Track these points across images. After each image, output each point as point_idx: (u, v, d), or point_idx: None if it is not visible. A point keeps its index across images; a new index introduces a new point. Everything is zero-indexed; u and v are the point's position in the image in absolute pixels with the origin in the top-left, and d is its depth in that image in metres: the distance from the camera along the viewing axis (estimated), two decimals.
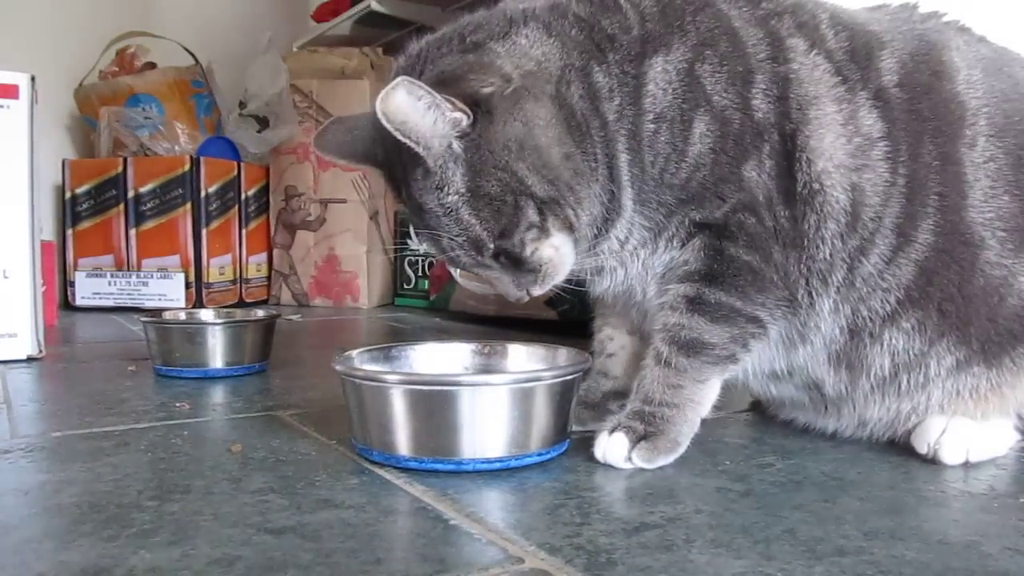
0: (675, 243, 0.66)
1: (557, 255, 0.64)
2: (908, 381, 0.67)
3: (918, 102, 0.65)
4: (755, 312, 0.65)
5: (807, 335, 0.68)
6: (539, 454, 0.63)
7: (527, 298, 0.66)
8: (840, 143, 0.64)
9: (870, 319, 0.66)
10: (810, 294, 0.66)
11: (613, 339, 0.78)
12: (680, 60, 0.64)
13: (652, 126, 0.64)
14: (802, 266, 0.65)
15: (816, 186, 0.64)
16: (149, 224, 1.92)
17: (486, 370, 0.75)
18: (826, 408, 0.73)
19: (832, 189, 0.64)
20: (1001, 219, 0.65)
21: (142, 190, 1.91)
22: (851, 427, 0.72)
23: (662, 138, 0.64)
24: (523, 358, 0.75)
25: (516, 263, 0.64)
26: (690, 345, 0.65)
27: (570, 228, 0.63)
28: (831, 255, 0.65)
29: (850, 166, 0.64)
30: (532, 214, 0.61)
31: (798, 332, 0.68)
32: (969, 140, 0.65)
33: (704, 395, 0.66)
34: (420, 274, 1.97)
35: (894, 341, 0.66)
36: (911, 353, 0.66)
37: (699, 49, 0.64)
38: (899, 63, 0.66)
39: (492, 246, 0.62)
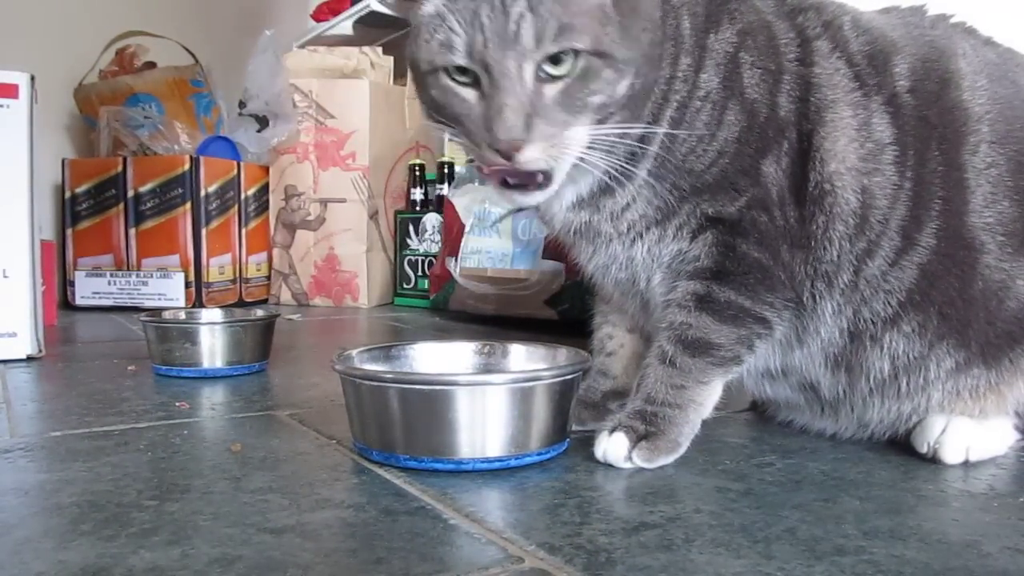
0: (685, 233, 0.66)
1: (582, 128, 0.59)
2: (908, 384, 0.67)
3: (926, 109, 0.66)
4: (763, 312, 0.65)
5: (804, 338, 0.68)
6: (539, 454, 0.63)
7: (508, 152, 0.56)
8: (853, 147, 0.64)
9: (872, 321, 0.66)
10: (814, 297, 0.66)
11: (613, 337, 0.78)
12: (728, 43, 0.65)
13: (699, 103, 0.64)
14: (808, 267, 0.66)
15: (827, 187, 0.64)
16: (149, 224, 1.92)
17: (486, 370, 0.75)
18: (823, 410, 0.73)
19: (843, 191, 0.64)
20: (1001, 224, 0.65)
21: (142, 190, 1.91)
22: (851, 429, 0.72)
23: (703, 117, 0.64)
24: (523, 358, 0.75)
25: (560, 99, 0.57)
26: (696, 345, 0.65)
27: (606, 112, 0.59)
28: (838, 256, 0.65)
29: (861, 169, 0.64)
30: (609, 71, 0.58)
31: (796, 335, 0.68)
32: (972, 146, 0.66)
33: (707, 396, 0.66)
34: (420, 274, 1.97)
35: (894, 344, 0.66)
36: (911, 356, 0.66)
37: (743, 36, 0.65)
38: (911, 69, 0.67)
39: (552, 49, 0.56)
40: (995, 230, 0.65)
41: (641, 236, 0.67)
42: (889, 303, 0.66)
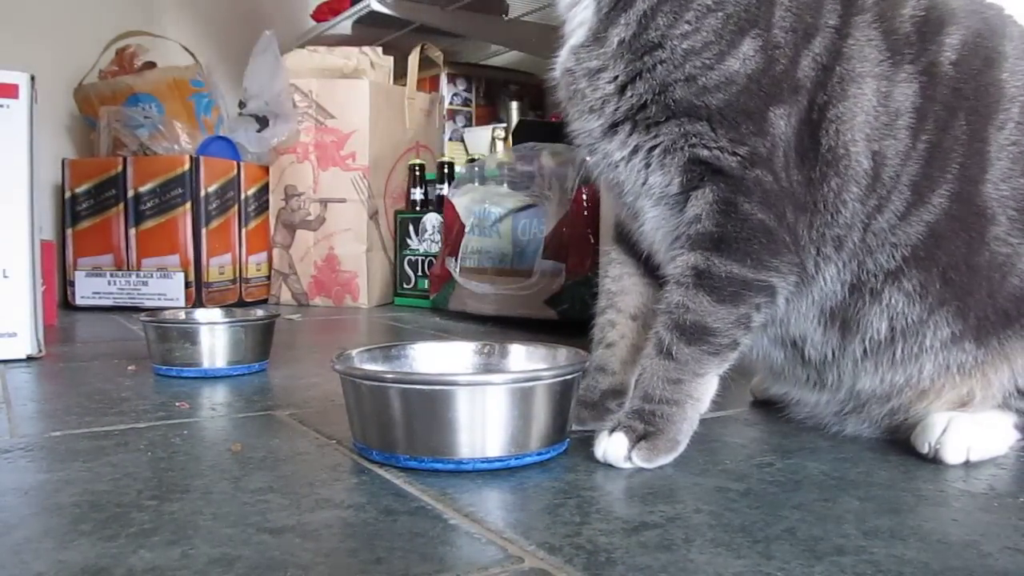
0: (668, 163, 0.66)
1: None
2: (903, 349, 0.68)
3: (964, 82, 0.67)
4: (769, 278, 0.65)
5: (794, 296, 0.68)
6: (539, 454, 0.63)
7: None
8: (869, 119, 0.65)
9: (874, 274, 0.67)
10: (818, 264, 0.67)
11: (616, 325, 0.77)
12: None
13: (709, 2, 0.64)
14: (814, 232, 0.66)
15: (842, 151, 0.65)
16: (149, 223, 1.91)
17: (486, 370, 0.75)
18: (808, 377, 0.72)
19: (857, 155, 0.65)
20: (1015, 199, 0.66)
21: (142, 189, 1.91)
22: (839, 402, 0.72)
23: (709, 23, 0.63)
24: (523, 358, 0.75)
25: None
26: (692, 331, 0.64)
27: None
28: (851, 218, 0.66)
29: (875, 137, 0.65)
30: None
31: (787, 295, 0.68)
32: (1000, 123, 0.67)
33: (703, 390, 0.66)
34: (420, 274, 1.97)
35: (894, 301, 0.67)
36: (910, 319, 0.67)
37: None
38: (962, 42, 0.67)
39: None
40: (1008, 204, 0.66)
41: (616, 129, 0.67)
42: (894, 256, 0.66)
